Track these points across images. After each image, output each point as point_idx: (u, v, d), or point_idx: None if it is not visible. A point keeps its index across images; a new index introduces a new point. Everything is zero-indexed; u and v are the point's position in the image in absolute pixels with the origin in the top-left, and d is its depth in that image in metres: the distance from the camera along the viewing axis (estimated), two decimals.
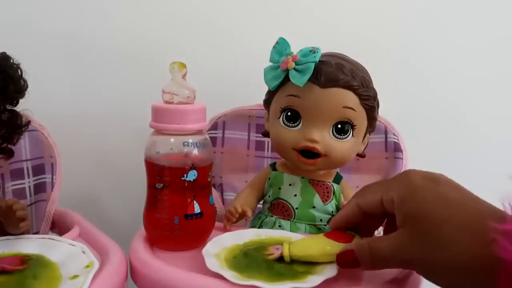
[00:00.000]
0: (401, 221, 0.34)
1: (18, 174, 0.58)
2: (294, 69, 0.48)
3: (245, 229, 0.51)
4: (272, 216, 0.54)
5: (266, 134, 0.57)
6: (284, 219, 0.53)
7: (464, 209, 0.31)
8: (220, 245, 0.45)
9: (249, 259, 0.42)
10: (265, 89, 0.53)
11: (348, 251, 0.37)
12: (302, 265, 0.41)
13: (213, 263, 0.41)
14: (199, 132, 0.47)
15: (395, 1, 0.76)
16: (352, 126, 0.50)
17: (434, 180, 0.34)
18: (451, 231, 0.31)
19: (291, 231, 0.51)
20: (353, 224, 0.41)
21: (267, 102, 0.55)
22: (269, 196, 0.55)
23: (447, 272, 0.31)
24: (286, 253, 0.41)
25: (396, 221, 0.35)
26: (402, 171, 0.37)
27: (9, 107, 0.49)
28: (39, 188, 0.59)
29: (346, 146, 0.51)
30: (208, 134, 0.62)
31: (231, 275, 0.39)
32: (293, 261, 0.41)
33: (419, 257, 0.32)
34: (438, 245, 0.31)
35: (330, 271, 0.39)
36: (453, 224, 0.31)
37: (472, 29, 0.77)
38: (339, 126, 0.50)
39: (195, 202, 0.46)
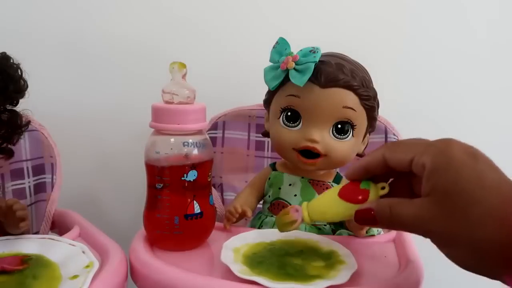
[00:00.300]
0: (428, 190, 0.32)
1: (18, 174, 0.58)
2: (294, 69, 0.48)
3: (275, 229, 0.51)
4: (272, 216, 0.54)
5: (266, 134, 0.57)
6: None
7: (497, 193, 0.30)
8: (243, 241, 0.45)
9: (266, 257, 0.42)
10: (265, 89, 0.53)
11: (367, 209, 0.36)
12: (317, 268, 0.41)
13: (227, 256, 0.41)
14: (199, 132, 0.47)
15: (395, 1, 0.76)
16: (352, 126, 0.50)
17: (474, 156, 0.32)
18: (481, 213, 0.30)
19: None
20: (371, 175, 0.39)
21: (267, 102, 0.55)
22: (269, 196, 0.55)
23: (465, 251, 0.31)
24: (306, 217, 0.40)
25: (421, 186, 0.33)
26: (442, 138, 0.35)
27: (9, 107, 0.49)
28: (39, 188, 0.59)
29: (346, 146, 0.51)
30: (208, 134, 0.62)
31: (238, 269, 0.39)
32: (310, 261, 0.42)
33: (442, 231, 0.31)
34: (464, 225, 0.30)
35: (340, 278, 0.39)
36: (484, 206, 0.30)
37: (472, 29, 0.77)
38: (339, 126, 0.50)
39: (195, 202, 0.46)
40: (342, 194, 0.39)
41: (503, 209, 0.29)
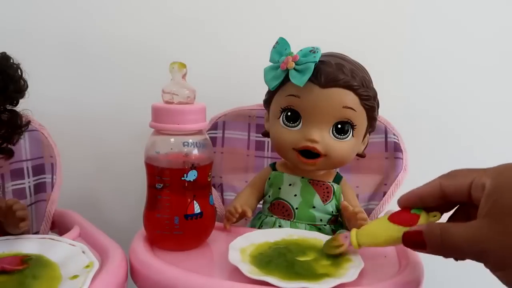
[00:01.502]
0: (487, 209, 0.32)
1: (18, 174, 0.58)
2: (294, 69, 0.48)
3: (279, 228, 0.52)
4: (272, 216, 0.54)
5: (266, 134, 0.57)
6: (284, 219, 0.53)
7: None
8: (249, 241, 0.46)
9: (273, 257, 0.42)
10: (265, 89, 0.53)
11: (416, 232, 0.35)
12: (324, 267, 0.41)
13: (234, 256, 0.41)
14: (199, 132, 0.47)
15: (395, 1, 0.76)
16: (352, 126, 0.50)
17: None
18: None
19: None
20: (425, 205, 0.39)
21: (267, 102, 0.55)
22: (269, 196, 0.55)
23: None
24: (354, 242, 0.41)
25: (477, 210, 0.33)
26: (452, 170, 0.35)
27: (9, 107, 0.49)
28: (39, 188, 0.59)
29: (346, 146, 0.51)
30: (208, 134, 0.62)
31: (247, 269, 0.39)
32: (317, 260, 0.42)
33: (499, 251, 0.30)
34: None
35: (349, 276, 0.39)
36: None
37: (472, 29, 0.77)
38: (339, 126, 0.50)
39: (195, 202, 0.46)
40: (392, 218, 0.39)
41: None
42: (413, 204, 0.39)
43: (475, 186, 0.34)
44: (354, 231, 0.42)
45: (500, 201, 0.31)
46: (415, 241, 0.35)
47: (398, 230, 0.38)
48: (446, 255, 0.34)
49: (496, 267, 0.31)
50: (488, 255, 0.31)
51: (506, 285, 0.32)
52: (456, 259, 0.34)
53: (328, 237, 0.48)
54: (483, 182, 0.33)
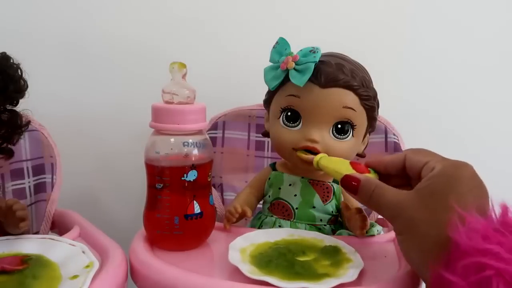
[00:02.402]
0: (421, 186, 0.35)
1: (18, 174, 0.58)
2: (294, 69, 0.48)
3: (279, 228, 0.52)
4: (272, 216, 0.54)
5: (266, 134, 0.57)
6: (284, 219, 0.53)
7: (470, 220, 0.32)
8: (249, 241, 0.46)
9: (273, 257, 0.42)
10: (265, 89, 0.53)
11: (355, 178, 0.39)
12: (324, 267, 0.41)
13: (234, 256, 0.41)
14: (199, 132, 0.47)
15: (395, 1, 0.76)
16: (352, 126, 0.50)
17: (478, 185, 0.34)
18: (448, 220, 0.32)
19: None
20: (387, 172, 0.41)
21: (267, 102, 0.55)
22: (269, 196, 0.55)
23: (417, 242, 0.34)
24: (316, 160, 0.47)
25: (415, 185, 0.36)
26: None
27: (9, 107, 0.49)
28: (39, 188, 0.59)
29: (346, 146, 0.51)
30: (208, 134, 0.62)
31: (248, 269, 0.39)
32: (317, 260, 0.43)
33: (411, 219, 0.34)
34: (431, 220, 0.33)
35: (349, 276, 0.39)
36: (454, 218, 0.32)
37: (472, 30, 0.77)
38: (339, 126, 0.50)
39: (195, 202, 0.46)
40: (352, 163, 0.43)
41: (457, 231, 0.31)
42: (376, 167, 0.43)
43: (427, 167, 0.37)
44: (322, 154, 0.48)
45: (436, 183, 0.34)
46: (351, 184, 0.39)
47: (348, 170, 0.42)
48: (370, 207, 0.39)
49: (402, 230, 0.35)
50: (401, 219, 0.35)
51: (401, 247, 0.36)
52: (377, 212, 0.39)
53: (328, 237, 0.48)
54: (434, 166, 0.36)
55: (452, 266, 0.30)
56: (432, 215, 0.33)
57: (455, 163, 0.36)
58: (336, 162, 0.45)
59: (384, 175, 0.42)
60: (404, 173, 0.40)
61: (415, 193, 0.35)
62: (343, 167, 0.43)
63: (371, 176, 0.42)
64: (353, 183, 0.39)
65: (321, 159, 0.47)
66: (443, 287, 0.30)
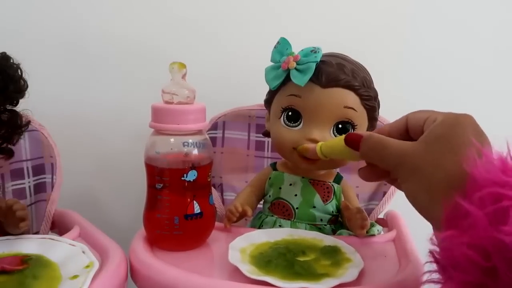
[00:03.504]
0: (424, 135, 0.35)
1: (18, 174, 0.58)
2: (295, 69, 0.48)
3: (279, 228, 0.52)
4: (272, 215, 0.54)
5: (266, 134, 0.57)
6: (284, 218, 0.53)
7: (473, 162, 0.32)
8: (249, 241, 0.46)
9: (273, 257, 0.42)
10: (265, 89, 0.53)
11: (358, 134, 0.40)
12: (324, 267, 0.41)
13: (234, 256, 0.41)
14: (199, 132, 0.47)
15: (396, 1, 0.76)
16: (353, 126, 0.50)
17: (478, 133, 0.35)
18: (455, 162, 0.32)
19: None
20: (390, 137, 0.40)
21: (268, 102, 0.55)
22: (269, 196, 0.55)
23: (423, 186, 0.34)
24: (318, 150, 0.46)
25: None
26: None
27: (9, 107, 0.49)
28: (39, 188, 0.59)
29: None
30: (208, 134, 0.62)
31: (247, 269, 0.39)
32: (317, 260, 0.43)
33: (415, 164, 0.34)
34: (436, 164, 0.33)
35: (349, 276, 0.39)
36: (459, 159, 0.32)
37: (474, 29, 0.77)
38: (340, 126, 0.50)
39: (195, 202, 0.46)
40: (346, 140, 0.42)
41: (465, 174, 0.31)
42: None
43: (429, 120, 0.37)
44: (320, 143, 0.46)
45: (438, 129, 0.35)
46: (354, 140, 0.40)
47: (354, 154, 0.41)
48: (373, 159, 0.39)
49: (407, 178, 0.35)
50: (406, 166, 0.35)
51: (406, 192, 0.35)
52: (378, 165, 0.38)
53: (328, 237, 0.48)
54: (435, 117, 0.37)
55: (469, 198, 0.30)
56: (439, 158, 0.33)
57: (456, 114, 0.36)
58: (335, 142, 0.45)
59: None
60: (407, 137, 0.40)
61: (419, 142, 0.35)
62: (346, 153, 0.42)
63: None
64: (355, 138, 0.40)
65: (322, 147, 0.46)
66: (458, 220, 0.30)
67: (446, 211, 0.31)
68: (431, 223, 0.34)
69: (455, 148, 0.33)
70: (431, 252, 0.32)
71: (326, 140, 0.50)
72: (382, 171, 0.39)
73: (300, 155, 0.50)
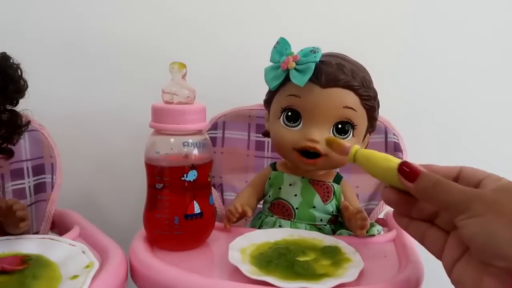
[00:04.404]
0: (491, 187, 0.33)
1: (18, 174, 0.58)
2: (295, 69, 0.48)
3: (279, 228, 0.52)
4: (272, 216, 0.54)
5: (266, 134, 0.57)
6: (284, 219, 0.53)
7: None
8: (249, 241, 0.46)
9: (273, 257, 0.42)
10: (265, 89, 0.53)
11: (415, 168, 0.36)
12: (324, 267, 0.41)
13: (234, 256, 0.41)
14: (199, 132, 0.47)
15: (396, 1, 0.76)
16: (353, 126, 0.50)
17: None
18: None
19: None
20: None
21: (268, 102, 0.55)
22: (269, 196, 0.55)
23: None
24: (351, 154, 0.40)
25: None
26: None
27: (9, 107, 0.49)
28: (39, 188, 0.59)
29: None
30: (208, 134, 0.62)
31: (248, 269, 0.39)
32: (317, 260, 0.42)
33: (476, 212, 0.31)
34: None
35: (349, 276, 0.39)
36: None
37: (472, 29, 0.77)
38: (340, 126, 0.50)
39: (195, 202, 0.46)
40: (401, 168, 0.37)
41: None
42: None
43: (490, 179, 0.34)
44: (357, 146, 0.40)
45: (509, 184, 0.33)
46: (411, 171, 0.35)
47: (398, 160, 0.37)
48: (426, 197, 0.35)
49: (481, 213, 0.31)
50: (471, 210, 0.32)
51: (473, 235, 0.32)
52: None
53: (328, 237, 0.48)
54: (499, 178, 0.34)
55: None
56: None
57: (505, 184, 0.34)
58: (375, 155, 0.39)
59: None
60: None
61: (490, 190, 0.33)
62: (385, 160, 0.38)
63: None
64: (414, 171, 0.36)
65: (359, 150, 0.40)
66: None
67: None
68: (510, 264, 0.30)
69: None
70: None
71: (325, 140, 0.50)
72: (417, 207, 0.37)
73: (299, 155, 0.50)
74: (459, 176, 0.37)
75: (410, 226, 0.39)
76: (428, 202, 0.36)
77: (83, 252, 0.43)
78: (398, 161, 0.37)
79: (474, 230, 0.31)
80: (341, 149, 0.42)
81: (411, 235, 0.39)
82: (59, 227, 0.58)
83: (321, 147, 0.49)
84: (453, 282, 0.35)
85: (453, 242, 0.35)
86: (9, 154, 0.51)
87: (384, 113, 0.58)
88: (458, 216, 0.32)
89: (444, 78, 0.78)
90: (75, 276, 0.39)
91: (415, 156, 0.64)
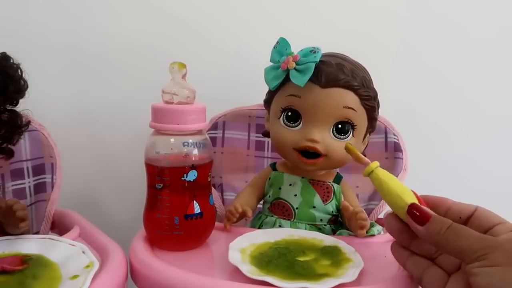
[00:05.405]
0: (506, 236, 0.33)
1: (18, 174, 0.58)
2: (295, 69, 0.48)
3: (279, 228, 0.52)
4: (272, 216, 0.54)
5: (266, 134, 0.57)
6: (284, 219, 0.53)
7: None
8: (249, 241, 0.46)
9: (273, 257, 0.42)
10: (265, 89, 0.53)
11: (426, 212, 0.35)
12: (324, 267, 0.41)
13: (234, 256, 0.41)
14: (199, 132, 0.47)
15: (396, 1, 0.76)
16: (353, 126, 0.50)
17: None
18: None
19: None
20: (446, 212, 0.37)
21: (268, 102, 0.55)
22: (269, 196, 0.55)
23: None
24: (368, 169, 0.38)
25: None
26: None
27: (9, 107, 0.49)
28: (39, 188, 0.59)
29: None
30: (208, 134, 0.62)
31: (248, 269, 0.39)
32: (317, 260, 0.42)
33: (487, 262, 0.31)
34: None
35: (349, 276, 0.39)
36: None
37: (471, 31, 0.77)
38: (340, 126, 0.50)
39: (195, 202, 0.46)
40: (410, 211, 0.36)
41: None
42: (438, 203, 0.38)
43: (505, 226, 0.34)
44: (376, 164, 0.39)
45: None
46: (421, 214, 0.35)
47: (411, 197, 0.36)
48: (437, 242, 0.34)
49: (500, 262, 0.31)
50: (498, 253, 0.31)
51: (491, 281, 0.31)
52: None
53: (328, 237, 0.48)
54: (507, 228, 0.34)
55: None
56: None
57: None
58: (393, 180, 0.38)
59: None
60: (461, 222, 0.36)
61: (505, 239, 0.32)
62: (401, 188, 0.37)
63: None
64: (424, 215, 0.35)
65: (378, 171, 0.39)
66: None
67: None
68: None
69: None
70: None
71: (326, 140, 0.50)
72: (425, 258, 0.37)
73: (299, 155, 0.50)
74: (472, 215, 0.36)
75: (409, 261, 0.38)
76: (437, 247, 0.35)
77: (83, 252, 0.43)
78: (410, 200, 0.36)
79: (492, 279, 0.30)
80: (359, 161, 0.40)
81: (408, 270, 0.38)
82: (59, 227, 0.58)
83: (321, 147, 0.49)
84: None
85: (456, 285, 0.34)
86: (9, 154, 0.51)
87: (383, 113, 0.58)
88: (473, 263, 0.32)
89: (443, 79, 0.78)
90: (75, 276, 0.39)
91: (415, 155, 0.64)
